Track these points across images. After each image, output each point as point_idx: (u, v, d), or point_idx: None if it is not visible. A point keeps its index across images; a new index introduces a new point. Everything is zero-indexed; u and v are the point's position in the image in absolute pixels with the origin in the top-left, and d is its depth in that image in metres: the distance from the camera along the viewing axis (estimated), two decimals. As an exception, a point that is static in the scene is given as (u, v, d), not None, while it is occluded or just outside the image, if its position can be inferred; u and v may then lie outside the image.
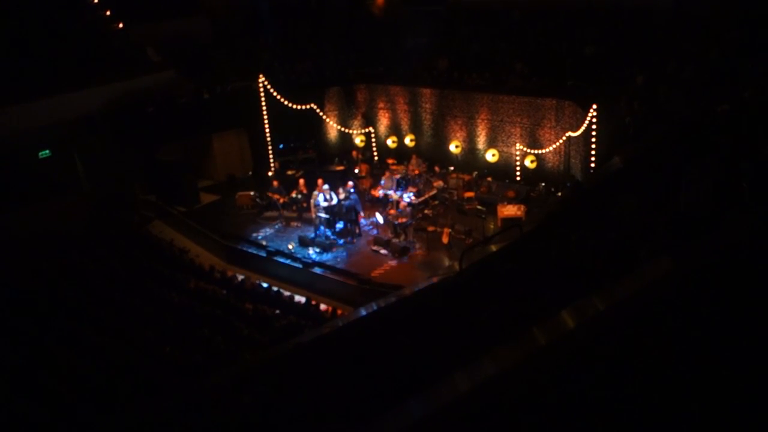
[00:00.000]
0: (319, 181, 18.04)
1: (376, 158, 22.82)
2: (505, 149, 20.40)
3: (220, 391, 7.01)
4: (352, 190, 18.01)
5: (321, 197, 17.57)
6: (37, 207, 17.20)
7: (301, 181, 19.30)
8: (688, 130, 9.10)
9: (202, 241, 18.53)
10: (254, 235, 18.41)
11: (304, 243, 17.33)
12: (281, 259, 16.58)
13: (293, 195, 19.00)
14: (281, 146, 22.01)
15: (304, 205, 18.78)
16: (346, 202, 17.45)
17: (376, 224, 18.05)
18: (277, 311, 13.09)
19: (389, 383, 5.49)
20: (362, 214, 18.32)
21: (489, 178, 19.94)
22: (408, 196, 18.11)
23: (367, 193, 19.48)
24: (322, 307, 14.08)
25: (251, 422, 6.19)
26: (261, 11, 25.23)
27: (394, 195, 18.52)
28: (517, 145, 19.88)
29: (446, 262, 15.80)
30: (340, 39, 24.25)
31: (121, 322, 12.51)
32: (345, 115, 23.37)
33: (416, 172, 19.54)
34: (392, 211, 18.07)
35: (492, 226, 17.43)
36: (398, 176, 19.46)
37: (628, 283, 4.50)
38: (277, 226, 18.98)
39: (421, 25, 23.15)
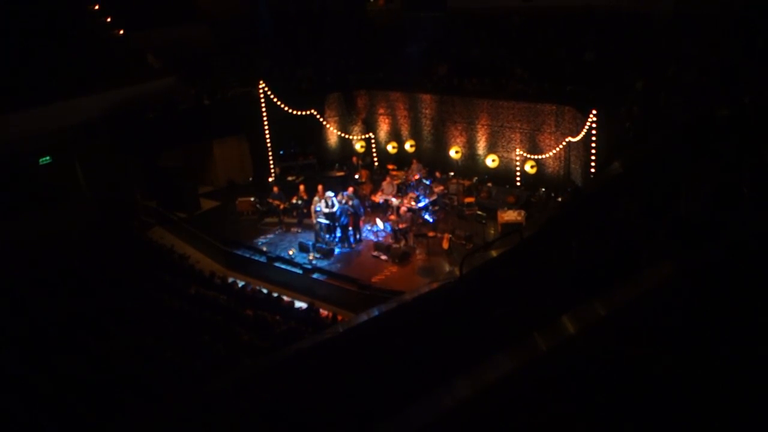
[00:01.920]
0: (320, 187, 18.06)
1: (376, 164, 22.84)
2: (505, 154, 20.42)
3: (220, 398, 6.99)
4: (346, 195, 17.93)
5: (322, 203, 17.58)
6: (37, 213, 17.19)
7: (301, 186, 19.32)
8: (688, 135, 9.10)
9: (202, 247, 18.52)
10: (255, 240, 18.42)
11: (304, 249, 17.33)
12: (281, 265, 16.56)
13: (294, 201, 19.01)
14: (281, 152, 22.02)
15: (305, 211, 18.79)
16: (340, 208, 17.45)
17: (378, 232, 18.04)
18: (278, 317, 13.06)
19: (390, 389, 5.48)
20: (363, 219, 18.32)
21: (489, 184, 19.95)
22: (423, 200, 18.25)
23: (367, 199, 19.49)
24: (323, 312, 14.06)
25: (252, 429, 6.18)
26: (261, 17, 25.28)
27: (394, 200, 18.54)
28: (517, 150, 19.89)
29: (446, 268, 15.79)
30: (341, 45, 24.29)
31: (121, 328, 12.49)
32: (345, 121, 23.39)
33: (415, 177, 19.62)
34: (393, 217, 18.08)
35: (492, 232, 17.44)
36: (398, 182, 19.52)
37: (629, 288, 4.49)
38: (277, 232, 18.99)
39: (421, 31, 23.20)
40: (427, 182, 19.07)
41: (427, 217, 18.24)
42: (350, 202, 17.52)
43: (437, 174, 20.11)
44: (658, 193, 7.54)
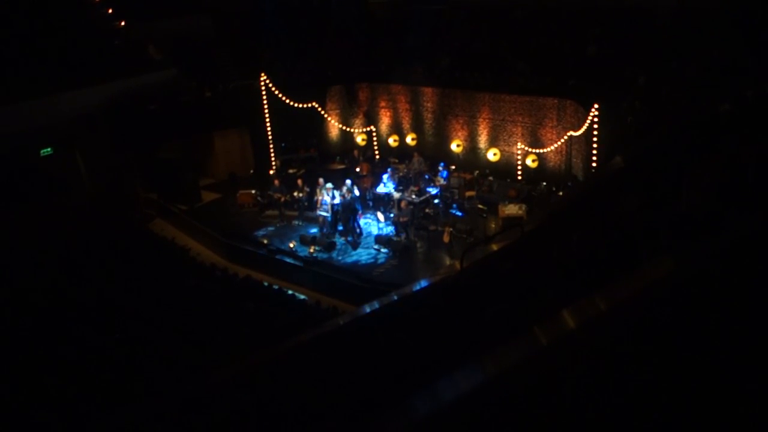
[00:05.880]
0: (320, 181, 18.10)
1: (377, 157, 22.82)
2: (506, 148, 20.40)
3: (220, 390, 7.00)
4: (346, 188, 17.96)
5: (327, 197, 17.63)
6: (38, 205, 17.20)
7: (299, 180, 19.31)
8: (689, 130, 9.08)
9: (203, 240, 18.55)
10: (255, 233, 18.43)
11: (305, 241, 17.34)
12: (282, 258, 16.59)
13: (296, 194, 19.00)
14: (283, 145, 22.01)
15: (306, 204, 18.80)
16: (342, 201, 17.47)
17: (377, 221, 18.07)
18: (278, 309, 13.08)
19: (390, 382, 5.49)
20: (361, 213, 18.33)
21: (490, 178, 19.94)
22: (432, 188, 18.33)
23: (368, 192, 19.48)
24: (323, 305, 14.09)
25: (252, 422, 6.19)
26: (263, 9, 25.22)
27: (395, 194, 18.52)
28: (519, 144, 19.87)
29: (447, 261, 15.82)
30: (342, 37, 24.24)
31: (121, 320, 12.50)
32: (347, 114, 23.37)
33: (413, 166, 19.71)
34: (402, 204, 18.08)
35: (493, 226, 17.44)
36: (401, 174, 19.50)
37: (630, 282, 4.49)
38: (278, 225, 19.00)
39: (422, 24, 23.14)
40: (442, 175, 19.09)
41: (455, 211, 18.45)
42: (349, 195, 17.55)
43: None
44: (660, 188, 7.53)
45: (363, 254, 16.95)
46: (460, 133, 21.40)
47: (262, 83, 21.22)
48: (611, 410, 3.73)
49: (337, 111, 23.28)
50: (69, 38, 20.38)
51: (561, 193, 18.19)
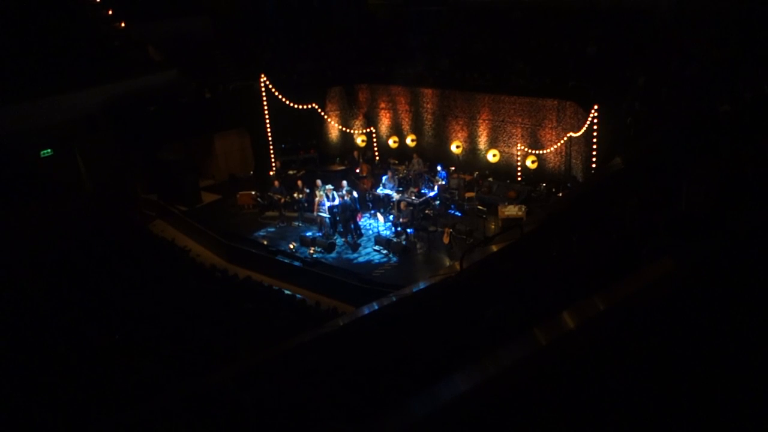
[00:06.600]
0: (318, 182, 18.11)
1: (377, 158, 22.83)
2: (506, 149, 20.40)
3: (220, 391, 7.00)
4: (346, 189, 17.98)
5: (325, 197, 17.63)
6: (38, 206, 17.18)
7: (299, 181, 19.32)
8: (689, 131, 9.09)
9: (203, 240, 18.55)
10: (255, 234, 18.43)
11: (305, 242, 17.35)
12: (282, 259, 16.59)
13: (295, 195, 19.00)
14: (283, 146, 22.02)
15: (306, 205, 18.81)
16: (342, 202, 17.49)
17: (376, 222, 18.07)
18: (278, 310, 13.07)
19: (389, 383, 5.49)
20: (360, 214, 18.32)
21: (490, 179, 19.94)
22: (429, 191, 18.34)
23: (368, 193, 19.47)
24: (323, 306, 14.08)
25: (251, 422, 6.19)
26: (263, 9, 25.24)
27: (395, 195, 18.52)
28: (519, 145, 19.87)
29: (447, 262, 15.81)
30: (342, 39, 24.26)
31: (121, 321, 12.50)
32: (346, 115, 23.38)
33: (415, 167, 19.70)
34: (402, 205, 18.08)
35: (493, 227, 17.44)
36: (401, 176, 19.52)
37: (630, 283, 4.49)
38: (278, 226, 19.00)
39: (422, 25, 23.16)
40: (441, 176, 19.08)
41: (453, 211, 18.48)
42: (348, 197, 17.55)
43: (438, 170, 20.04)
44: (659, 188, 7.54)
45: (363, 255, 16.95)
46: (459, 135, 21.40)
47: (262, 84, 21.24)
48: (611, 410, 3.73)
49: (337, 112, 23.29)
50: (69, 39, 20.39)
51: (560, 194, 18.20)
